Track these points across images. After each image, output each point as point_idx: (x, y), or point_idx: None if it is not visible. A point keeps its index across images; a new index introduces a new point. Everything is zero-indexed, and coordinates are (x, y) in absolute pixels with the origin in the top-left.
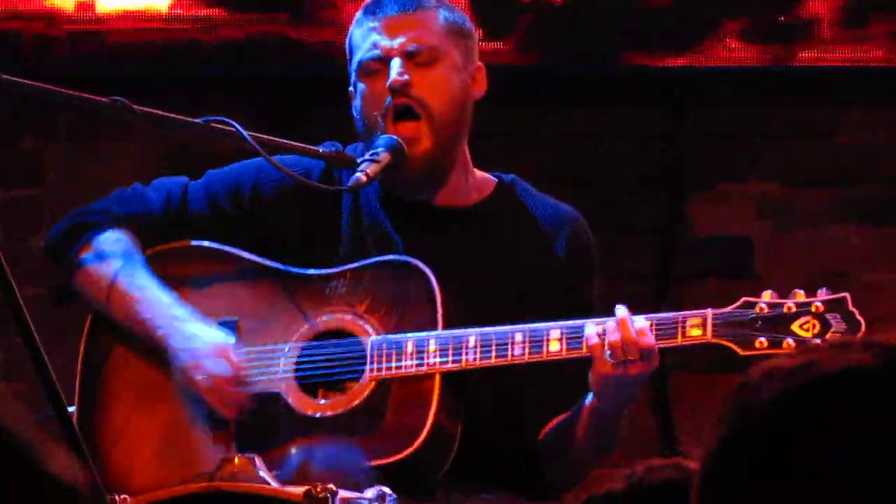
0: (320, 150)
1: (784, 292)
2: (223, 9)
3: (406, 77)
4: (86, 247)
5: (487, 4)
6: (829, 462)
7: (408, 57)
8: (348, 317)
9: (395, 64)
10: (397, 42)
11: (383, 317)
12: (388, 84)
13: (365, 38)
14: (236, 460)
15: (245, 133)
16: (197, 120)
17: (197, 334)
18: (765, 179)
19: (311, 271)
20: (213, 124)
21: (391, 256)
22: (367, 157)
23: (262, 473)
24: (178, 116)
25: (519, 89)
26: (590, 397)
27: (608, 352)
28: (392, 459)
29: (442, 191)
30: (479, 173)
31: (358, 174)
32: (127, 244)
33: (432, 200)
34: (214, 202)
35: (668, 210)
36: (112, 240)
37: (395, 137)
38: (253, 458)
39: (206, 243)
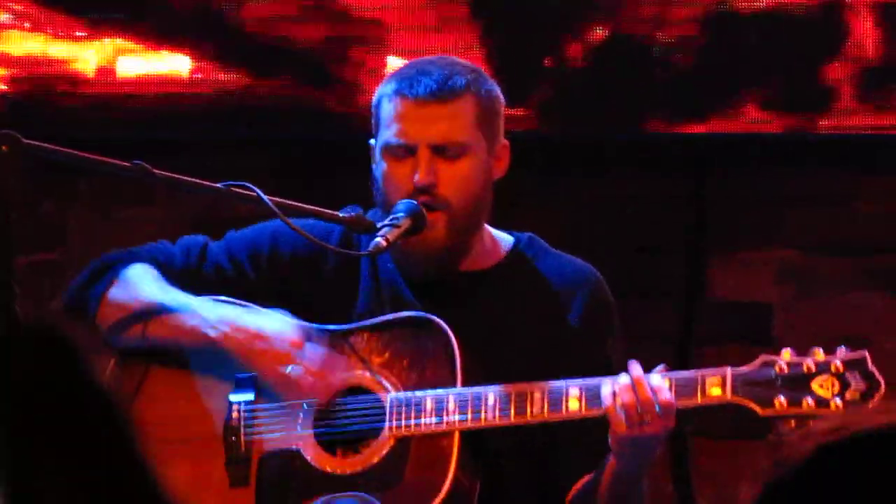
0: (340, 215)
1: (803, 354)
2: (244, 73)
3: (432, 178)
4: (113, 282)
5: (510, 71)
6: None
7: (435, 150)
8: (367, 374)
9: (423, 159)
10: (426, 135)
11: (402, 374)
12: (414, 181)
13: (394, 118)
14: None
15: (265, 197)
16: (217, 184)
17: (264, 333)
18: (785, 246)
19: (331, 327)
20: (232, 188)
21: (411, 313)
22: (387, 221)
23: None
24: (198, 181)
25: (539, 155)
26: (610, 458)
27: (622, 412)
28: None
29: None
30: (494, 234)
31: (378, 239)
32: (154, 273)
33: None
34: (235, 262)
35: (688, 275)
36: (139, 271)
37: (416, 202)
38: None
39: (224, 299)
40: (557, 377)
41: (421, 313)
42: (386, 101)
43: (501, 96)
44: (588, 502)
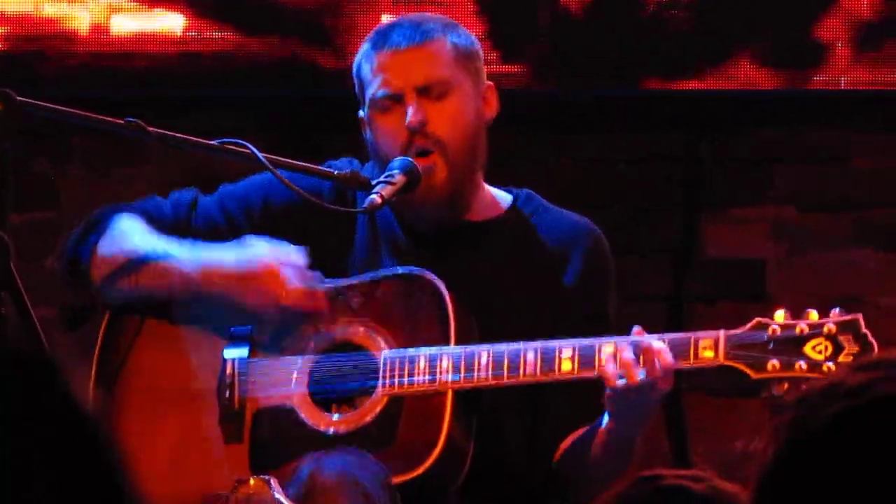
0: (335, 173)
1: (797, 316)
2: (238, 31)
3: (421, 116)
4: (101, 237)
5: (504, 27)
6: (888, 482)
7: (420, 92)
8: (361, 329)
9: (410, 102)
10: (408, 79)
11: (395, 330)
12: (406, 124)
13: (375, 73)
14: (252, 482)
15: (259, 154)
16: (212, 141)
17: (234, 263)
18: (779, 203)
19: (325, 282)
20: (227, 145)
21: (404, 269)
22: (382, 178)
23: (277, 496)
24: (192, 138)
25: (535, 112)
26: (605, 418)
27: (621, 373)
28: (404, 478)
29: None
30: (492, 190)
31: (373, 196)
32: (142, 224)
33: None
34: (229, 215)
35: (681, 232)
36: (127, 222)
37: (410, 159)
38: (269, 480)
39: None
40: (554, 329)
41: (415, 269)
42: (364, 62)
43: (478, 46)
44: (579, 457)
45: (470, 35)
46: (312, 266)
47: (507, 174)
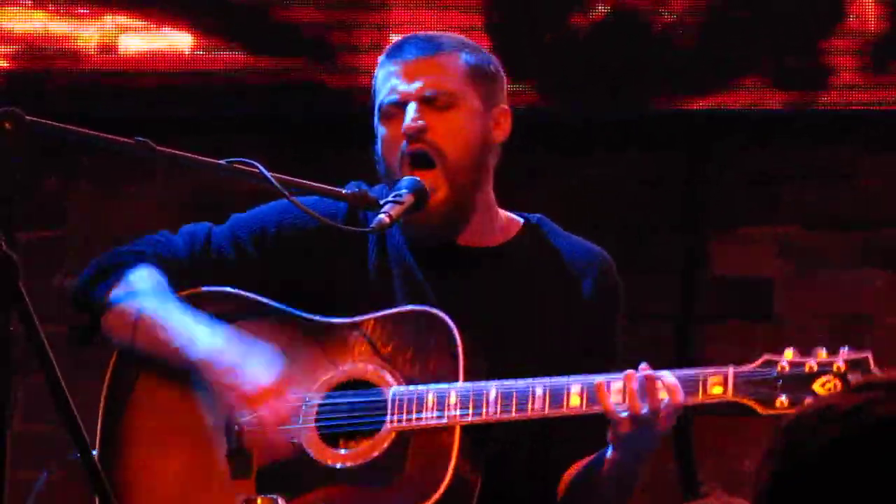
0: (343, 192)
1: (805, 334)
2: (245, 51)
3: (421, 122)
4: (115, 285)
5: (508, 45)
6: None
7: (424, 102)
8: (370, 367)
9: (410, 109)
10: (414, 87)
11: (405, 367)
12: (402, 129)
13: (385, 81)
14: (259, 501)
15: (268, 174)
16: (220, 161)
17: (239, 371)
18: (786, 222)
19: (334, 319)
20: (236, 165)
21: (413, 307)
22: (390, 198)
23: None
24: (200, 157)
25: (540, 131)
26: (609, 450)
27: (628, 410)
28: None
29: (466, 232)
30: (504, 213)
31: (381, 216)
32: (156, 279)
33: (457, 241)
34: (239, 245)
35: (688, 252)
36: (142, 275)
37: (419, 179)
38: (276, 500)
39: (228, 289)
40: (561, 355)
41: (426, 307)
42: (378, 71)
43: (497, 64)
44: (586, 486)
45: (490, 58)
46: (325, 293)
47: (513, 194)
